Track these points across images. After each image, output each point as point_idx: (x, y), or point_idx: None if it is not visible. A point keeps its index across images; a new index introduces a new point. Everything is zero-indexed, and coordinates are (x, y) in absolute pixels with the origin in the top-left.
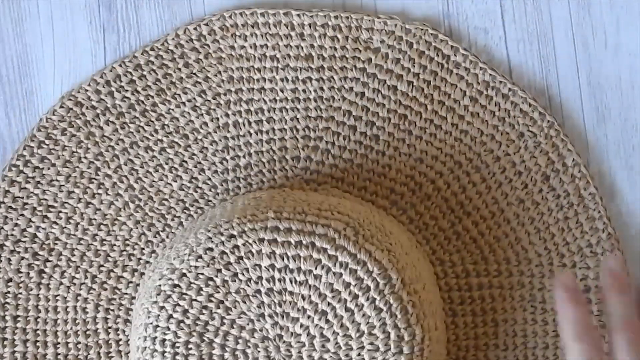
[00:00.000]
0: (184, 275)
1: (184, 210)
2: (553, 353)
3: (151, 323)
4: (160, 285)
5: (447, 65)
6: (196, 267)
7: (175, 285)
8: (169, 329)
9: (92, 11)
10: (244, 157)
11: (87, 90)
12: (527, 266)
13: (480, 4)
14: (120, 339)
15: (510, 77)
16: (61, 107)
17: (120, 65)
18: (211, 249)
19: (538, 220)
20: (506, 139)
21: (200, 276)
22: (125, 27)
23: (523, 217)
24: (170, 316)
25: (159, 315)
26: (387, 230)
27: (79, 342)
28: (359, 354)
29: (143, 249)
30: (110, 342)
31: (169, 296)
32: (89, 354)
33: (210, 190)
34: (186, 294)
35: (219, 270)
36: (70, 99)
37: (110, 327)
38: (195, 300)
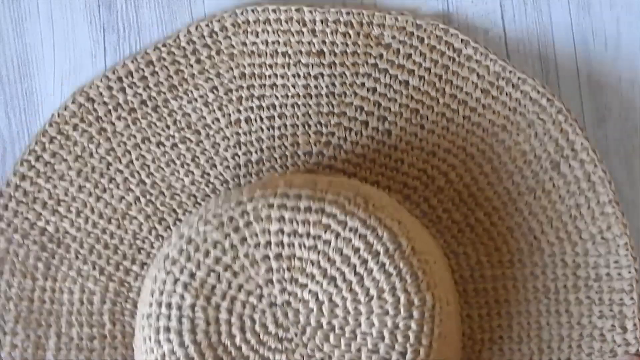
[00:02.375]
0: (192, 239)
1: (195, 205)
2: (568, 345)
3: (158, 288)
4: (168, 252)
5: (458, 58)
6: (205, 231)
7: (183, 250)
8: (175, 291)
9: (92, 11)
10: (256, 152)
11: (99, 86)
12: (540, 256)
13: (480, 4)
14: (126, 331)
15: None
16: (73, 102)
17: (132, 62)
18: (220, 215)
19: (550, 209)
20: (517, 128)
21: (208, 239)
22: (125, 27)
23: (535, 207)
24: (177, 280)
25: (165, 279)
26: (403, 215)
27: (82, 333)
28: (368, 318)
29: (153, 243)
30: (115, 333)
31: (177, 260)
32: (92, 344)
33: (222, 186)
34: (193, 257)
35: (228, 234)
36: (82, 95)
37: (117, 319)
38: (203, 263)
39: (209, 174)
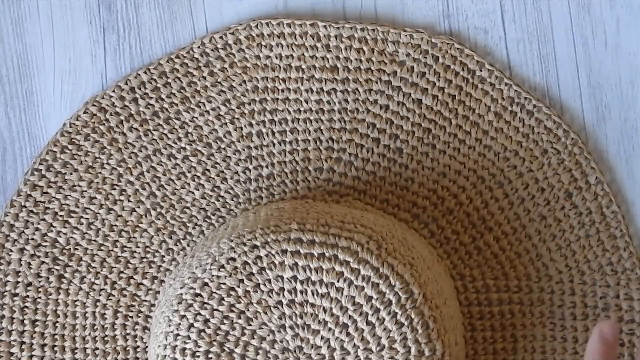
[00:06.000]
0: (206, 284)
1: (206, 219)
2: None
3: (172, 331)
4: (182, 294)
5: (472, 80)
6: (218, 276)
7: (197, 295)
8: (189, 337)
9: (92, 11)
10: (267, 167)
11: (111, 97)
12: (548, 283)
13: (480, 4)
14: (139, 346)
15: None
16: (85, 112)
17: (145, 73)
18: (234, 259)
19: (559, 237)
20: (530, 155)
21: (222, 286)
22: (125, 27)
23: (545, 234)
24: (191, 325)
25: (179, 324)
26: (409, 244)
27: (97, 348)
28: None
29: (163, 256)
30: (128, 348)
31: (191, 305)
32: None
33: (232, 200)
34: (208, 304)
35: (241, 281)
36: (94, 105)
37: (128, 334)
38: (217, 310)
39: (219, 188)
